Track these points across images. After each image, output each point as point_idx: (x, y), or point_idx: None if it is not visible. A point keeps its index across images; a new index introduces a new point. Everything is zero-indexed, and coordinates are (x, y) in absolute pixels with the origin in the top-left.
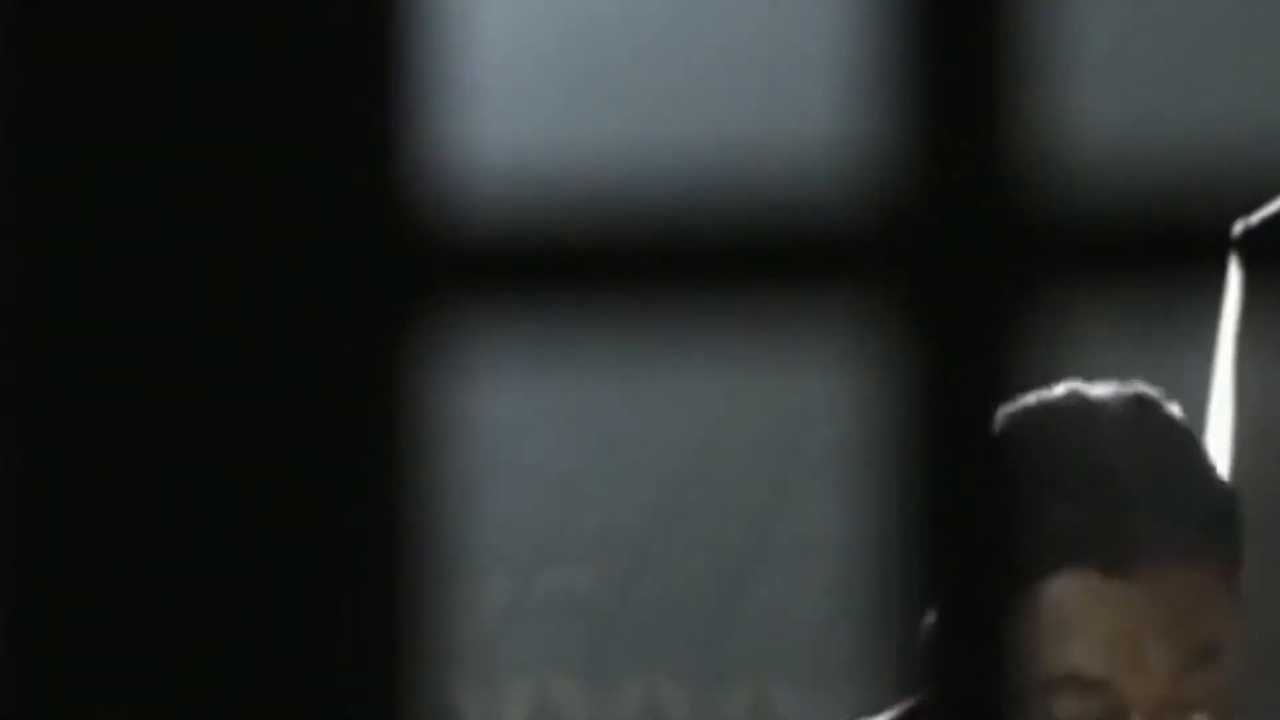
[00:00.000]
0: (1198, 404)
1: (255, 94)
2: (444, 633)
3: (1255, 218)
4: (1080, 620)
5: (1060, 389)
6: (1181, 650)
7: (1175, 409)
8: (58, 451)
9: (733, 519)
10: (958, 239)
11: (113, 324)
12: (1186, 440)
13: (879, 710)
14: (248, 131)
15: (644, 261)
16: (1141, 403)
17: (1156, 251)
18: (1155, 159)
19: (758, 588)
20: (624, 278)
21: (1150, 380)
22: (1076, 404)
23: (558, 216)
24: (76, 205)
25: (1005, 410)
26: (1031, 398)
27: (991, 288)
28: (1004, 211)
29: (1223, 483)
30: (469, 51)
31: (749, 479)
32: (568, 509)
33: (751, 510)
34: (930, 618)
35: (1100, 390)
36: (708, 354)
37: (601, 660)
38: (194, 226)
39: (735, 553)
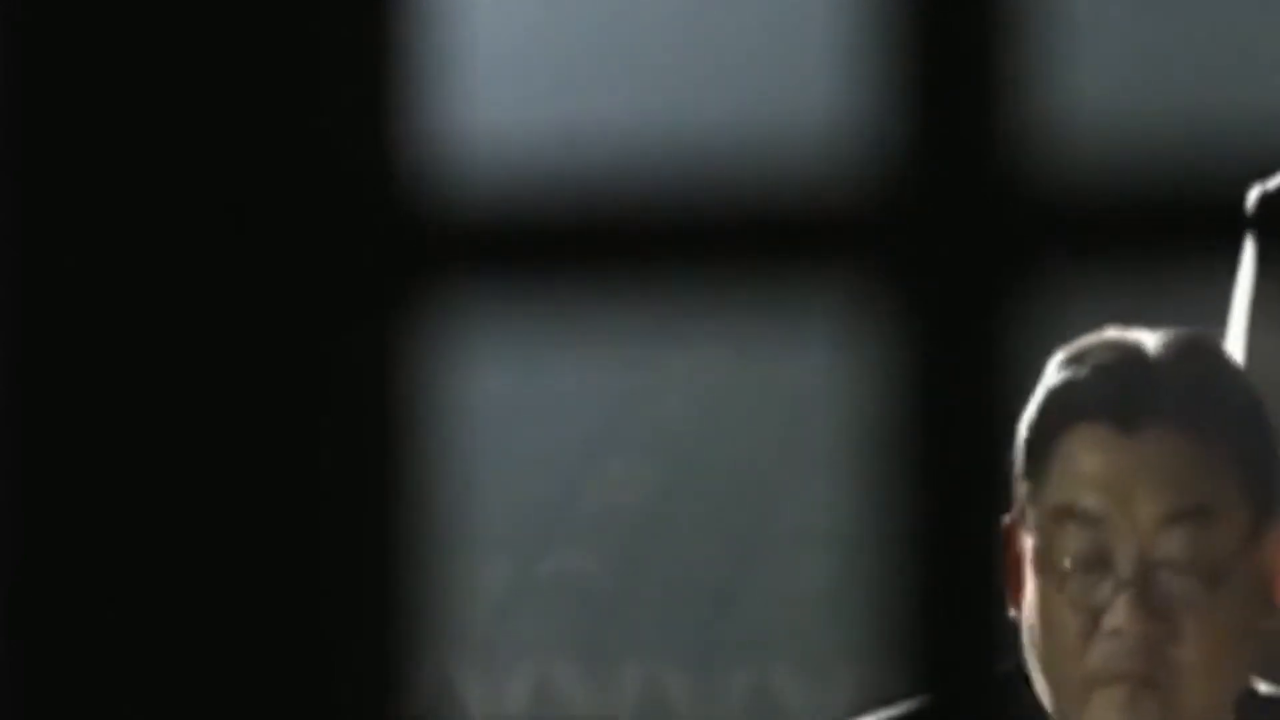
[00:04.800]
0: None
1: (251, 76)
2: (444, 617)
3: (1272, 184)
4: (1087, 464)
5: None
6: (1170, 503)
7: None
8: (54, 428)
9: (733, 503)
10: (955, 220)
11: (107, 304)
12: (1215, 350)
13: (881, 705)
14: (243, 113)
15: (643, 244)
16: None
17: (1153, 229)
18: (1154, 136)
19: (758, 572)
20: (623, 260)
21: None
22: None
23: (557, 197)
24: (74, 189)
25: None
26: None
27: (988, 268)
28: (1001, 192)
29: (1248, 387)
30: (467, 32)
31: (749, 463)
32: (568, 493)
33: (751, 495)
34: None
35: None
36: (708, 337)
37: (602, 644)
38: (190, 208)
39: (735, 537)
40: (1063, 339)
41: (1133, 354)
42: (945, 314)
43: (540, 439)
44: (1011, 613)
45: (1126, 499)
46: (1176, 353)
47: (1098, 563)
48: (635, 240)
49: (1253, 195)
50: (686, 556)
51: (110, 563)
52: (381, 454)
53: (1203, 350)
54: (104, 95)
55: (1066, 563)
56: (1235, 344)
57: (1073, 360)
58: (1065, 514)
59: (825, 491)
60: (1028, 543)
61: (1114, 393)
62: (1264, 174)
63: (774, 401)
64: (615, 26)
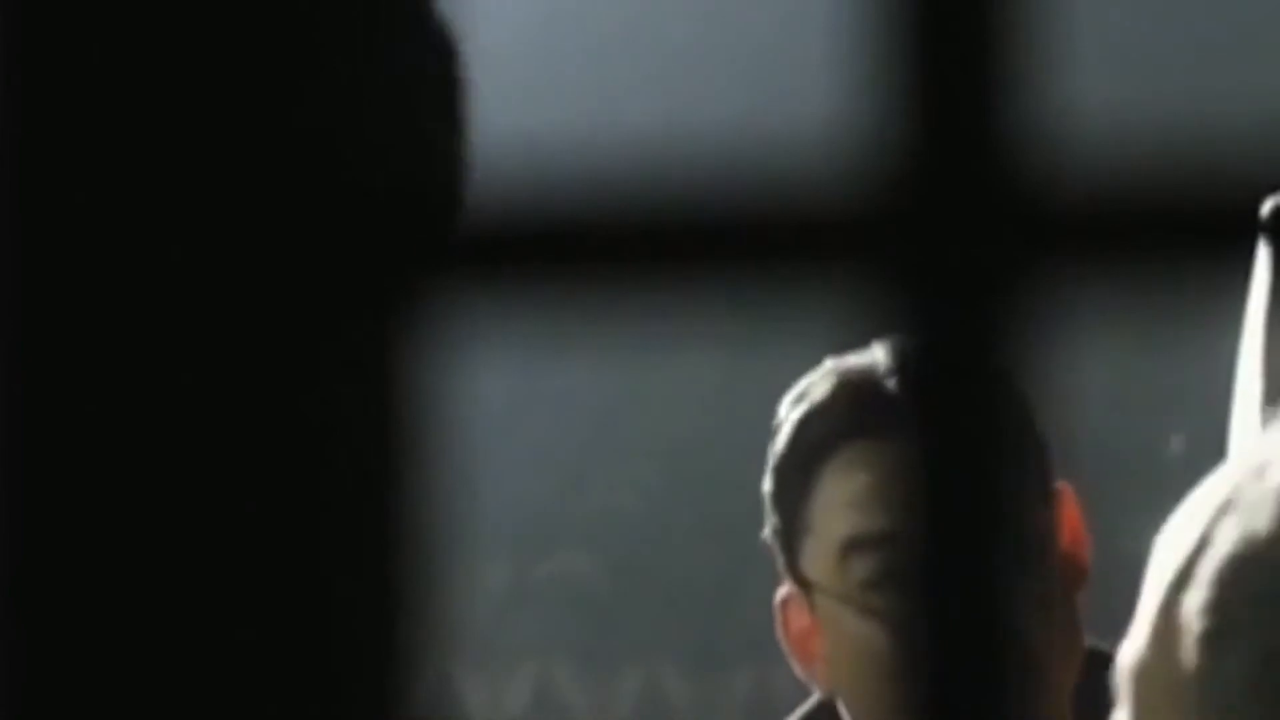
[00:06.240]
0: (1203, 387)
1: (261, 76)
2: (444, 617)
3: None
4: (855, 487)
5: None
6: None
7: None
8: (56, 428)
9: (732, 504)
10: (955, 220)
11: (108, 306)
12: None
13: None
14: (242, 113)
15: (643, 244)
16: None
17: (1155, 230)
18: (1157, 136)
19: (758, 573)
20: (623, 261)
21: (1152, 363)
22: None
23: (555, 199)
24: (80, 183)
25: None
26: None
27: (989, 268)
28: (1001, 192)
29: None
30: (469, 35)
31: (749, 463)
32: (567, 494)
33: (752, 494)
34: None
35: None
36: (708, 338)
37: (601, 646)
38: (196, 207)
39: (735, 538)
40: (1063, 340)
41: (860, 371)
42: (945, 314)
43: (540, 439)
44: (810, 680)
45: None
46: (907, 354)
47: (903, 574)
48: (635, 240)
49: (1268, 204)
50: (686, 557)
51: (110, 563)
52: (382, 456)
53: (931, 347)
54: (104, 96)
55: (873, 594)
56: (1252, 354)
57: (799, 399)
58: (850, 549)
59: None
60: (814, 603)
61: (853, 406)
62: (1266, 173)
63: (774, 402)
64: (615, 29)
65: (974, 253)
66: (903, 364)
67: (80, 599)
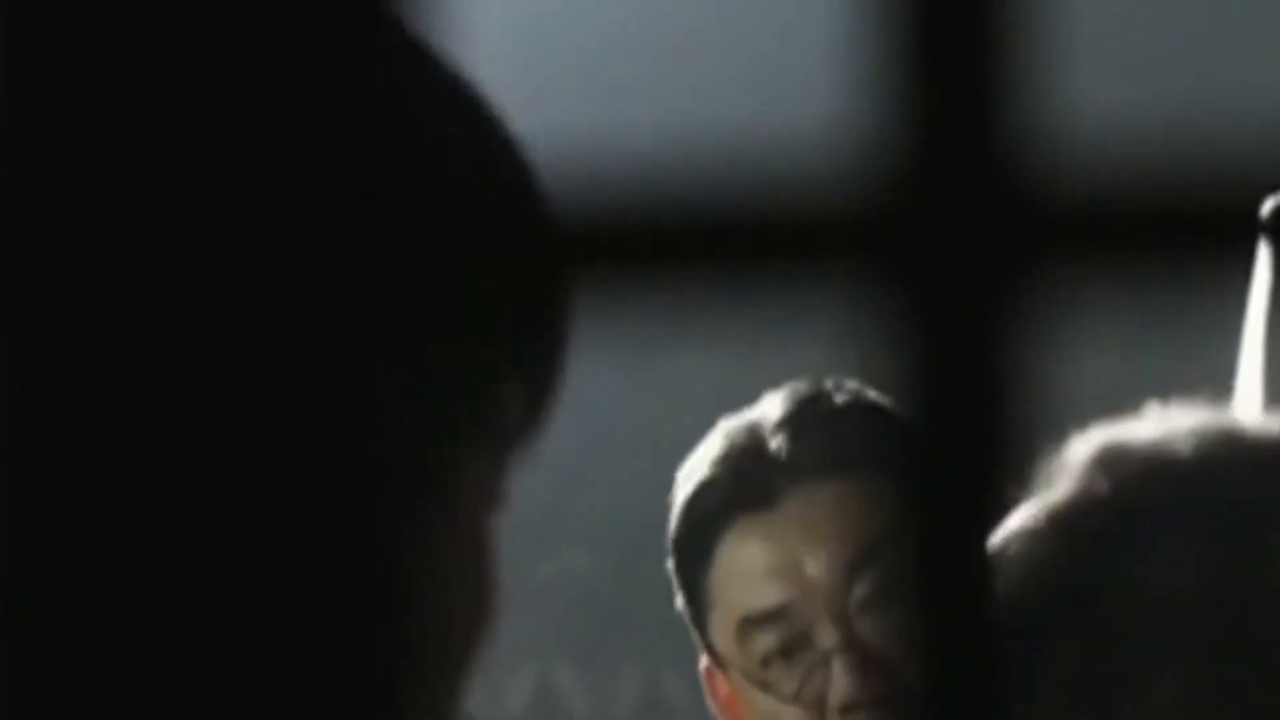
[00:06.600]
0: (1202, 387)
1: (261, 76)
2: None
3: None
4: (747, 562)
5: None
6: (840, 554)
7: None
8: (54, 423)
9: None
10: (955, 220)
11: (108, 306)
12: (820, 396)
13: None
14: (252, 111)
15: (642, 244)
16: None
17: (1154, 230)
18: (1157, 137)
19: None
20: (622, 261)
21: (1152, 362)
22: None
23: (556, 199)
24: (80, 183)
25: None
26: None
27: (989, 268)
28: (1001, 192)
29: (857, 408)
30: (466, 38)
31: None
32: (569, 495)
33: None
34: None
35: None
36: (710, 339)
37: (602, 646)
38: (195, 206)
39: None
40: (1063, 340)
41: (746, 433)
42: (945, 315)
43: (541, 441)
44: None
45: (798, 573)
46: (786, 413)
47: (801, 648)
48: (634, 240)
49: (1268, 204)
50: None
51: (110, 562)
52: (382, 455)
53: (814, 399)
54: (104, 96)
55: (771, 670)
56: (1253, 354)
57: (690, 473)
58: (749, 625)
59: None
60: (728, 675)
61: (738, 478)
62: (1267, 173)
63: None
64: (615, 29)
65: (974, 253)
66: (785, 421)
67: (80, 599)
